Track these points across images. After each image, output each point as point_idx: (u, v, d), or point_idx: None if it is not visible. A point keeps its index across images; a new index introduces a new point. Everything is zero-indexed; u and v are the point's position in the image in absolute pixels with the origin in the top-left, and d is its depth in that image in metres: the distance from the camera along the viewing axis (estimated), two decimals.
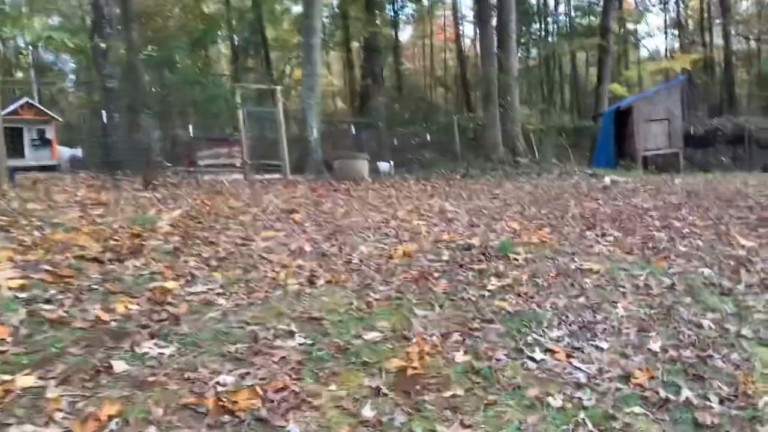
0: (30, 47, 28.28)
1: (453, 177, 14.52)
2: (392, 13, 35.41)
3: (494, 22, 19.20)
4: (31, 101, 14.00)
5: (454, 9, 33.85)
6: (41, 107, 14.08)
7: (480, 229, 6.58)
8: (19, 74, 32.35)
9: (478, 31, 40.57)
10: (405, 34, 41.84)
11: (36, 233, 5.69)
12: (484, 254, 5.29)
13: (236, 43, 35.14)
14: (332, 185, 12.43)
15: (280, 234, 6.25)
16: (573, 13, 38.18)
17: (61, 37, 19.52)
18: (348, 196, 10.30)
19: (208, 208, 7.84)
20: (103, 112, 12.69)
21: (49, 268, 4.19)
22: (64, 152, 13.91)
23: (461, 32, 34.54)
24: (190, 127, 14.18)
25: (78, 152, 14.17)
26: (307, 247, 5.59)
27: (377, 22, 25.08)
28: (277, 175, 14.75)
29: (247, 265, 4.88)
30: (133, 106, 11.80)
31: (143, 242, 5.53)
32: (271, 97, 14.17)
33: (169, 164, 16.48)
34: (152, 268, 4.68)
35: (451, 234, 6.27)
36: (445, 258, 5.22)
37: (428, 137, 20.07)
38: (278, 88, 13.81)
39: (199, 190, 10.50)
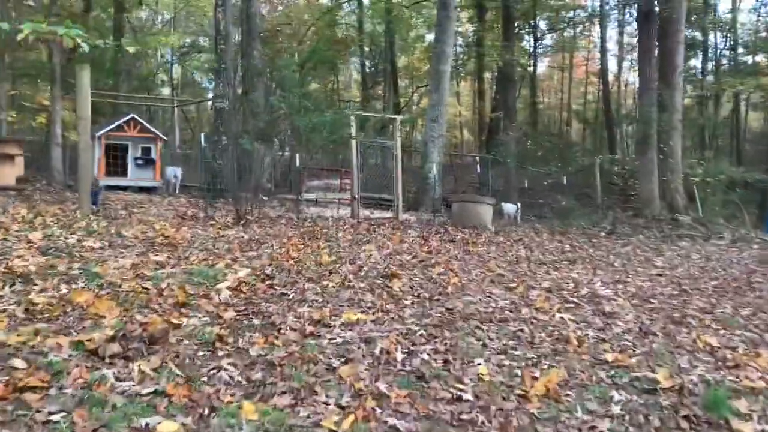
0: (168, 64, 29.43)
1: (596, 234, 12.12)
2: (531, 43, 33.22)
3: (656, 52, 16.51)
4: (136, 117, 13.60)
5: (602, 39, 30.95)
6: (146, 124, 13.56)
7: (659, 343, 4.43)
8: (165, 90, 33.65)
9: (630, 65, 37.18)
10: (541, 65, 39.35)
11: (52, 291, 4.40)
12: (681, 412, 3.19)
13: (366, 69, 34.69)
14: (448, 233, 10.60)
15: (367, 318, 4.53)
16: (738, 50, 33.71)
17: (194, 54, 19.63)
18: (466, 253, 8.42)
19: (292, 261, 6.34)
20: (202, 135, 11.97)
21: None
22: (169, 172, 13.28)
23: (606, 65, 31.48)
24: (297, 157, 13.06)
25: (178, 171, 13.48)
26: (399, 354, 3.80)
27: (514, 51, 23.07)
28: (388, 214, 13.21)
29: (301, 388, 3.17)
30: (244, 130, 10.76)
31: (179, 320, 4.04)
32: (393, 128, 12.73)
33: (278, 192, 15.57)
34: (163, 376, 3.14)
35: (616, 350, 4.19)
36: (616, 410, 3.19)
37: (564, 179, 17.65)
38: (399, 118, 12.32)
39: (296, 230, 9.13)
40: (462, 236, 10.35)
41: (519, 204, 16.09)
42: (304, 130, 8.76)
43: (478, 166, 15.49)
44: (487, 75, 33.51)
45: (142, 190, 12.54)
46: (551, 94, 43.90)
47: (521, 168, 20.13)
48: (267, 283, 5.39)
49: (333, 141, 9.52)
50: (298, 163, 10.47)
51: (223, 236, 7.80)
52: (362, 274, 6.12)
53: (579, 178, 19.84)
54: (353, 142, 11.68)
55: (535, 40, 32.96)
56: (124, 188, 12.51)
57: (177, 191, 12.95)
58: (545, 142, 23.00)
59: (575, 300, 5.66)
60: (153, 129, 13.75)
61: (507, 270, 7.12)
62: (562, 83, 38.83)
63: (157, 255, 6.07)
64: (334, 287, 5.40)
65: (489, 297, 5.56)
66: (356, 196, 12.11)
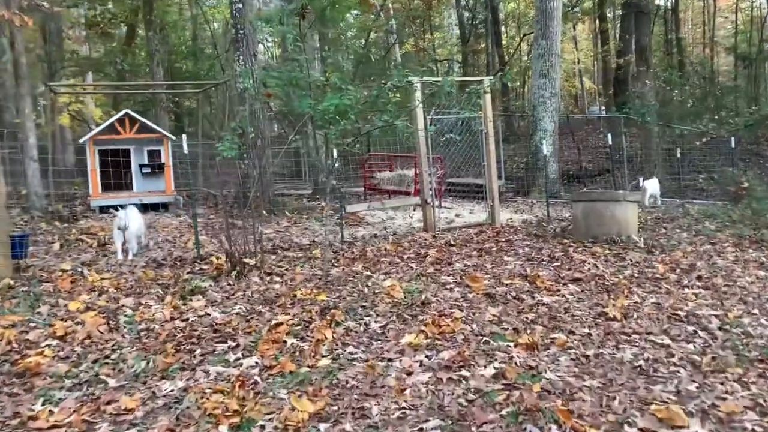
0: None
1: None
2: None
3: None
4: (131, 113, 10.72)
5: None
6: (146, 121, 10.59)
7: None
8: None
9: None
10: None
11: None
12: None
13: (465, 21, 30.26)
14: (569, 258, 6.77)
15: None
16: None
17: None
18: (616, 306, 4.64)
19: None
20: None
21: None
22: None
23: None
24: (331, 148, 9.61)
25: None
26: None
27: None
28: (479, 218, 9.52)
29: None
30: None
31: None
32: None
33: (340, 184, 12.34)
34: None
35: None
36: None
37: (732, 142, 12.70)
38: (487, 79, 8.46)
39: (319, 280, 5.84)
40: (592, 262, 6.50)
41: (657, 180, 11.64)
42: (317, 118, 5.37)
43: (609, 136, 11.17)
44: (609, 15, 27.87)
45: (148, 208, 9.78)
46: (689, 28, 36.70)
47: (665, 127, 15.33)
48: None
49: (380, 126, 6.05)
50: (335, 154, 7.10)
51: (188, 314, 4.68)
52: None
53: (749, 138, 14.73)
54: (419, 120, 8.05)
55: None
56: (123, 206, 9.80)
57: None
58: (696, 89, 17.77)
59: None
60: (156, 126, 10.94)
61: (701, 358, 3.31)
62: (704, 13, 31.86)
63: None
64: None
65: None
66: (429, 201, 8.53)
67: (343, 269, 6.32)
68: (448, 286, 5.61)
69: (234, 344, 4.07)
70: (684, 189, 13.23)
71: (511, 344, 3.99)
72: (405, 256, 6.95)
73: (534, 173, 13.68)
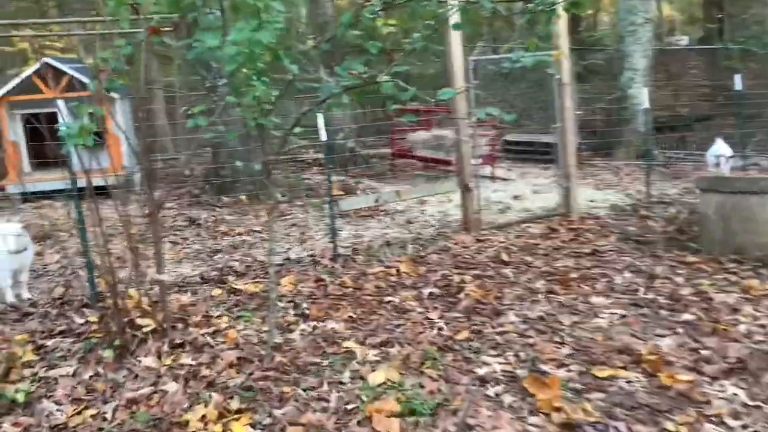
0: None
1: None
2: None
3: None
4: (52, 63, 8.18)
5: None
6: (78, 74, 7.85)
7: None
8: None
9: None
10: None
11: None
12: None
13: None
14: (699, 287, 3.90)
15: None
16: None
17: None
18: None
19: None
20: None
21: None
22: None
23: None
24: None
25: None
26: None
27: None
28: (546, 202, 6.65)
29: None
30: None
31: None
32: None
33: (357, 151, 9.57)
34: None
35: None
36: None
37: None
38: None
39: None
40: (751, 312, 3.65)
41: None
42: (228, 73, 2.72)
43: (738, 78, 7.77)
44: None
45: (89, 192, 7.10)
46: None
47: None
48: None
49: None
50: (321, 122, 4.41)
51: None
52: None
53: None
54: (454, 60, 5.19)
55: None
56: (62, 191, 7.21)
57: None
58: None
59: None
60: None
61: None
62: None
63: None
64: None
65: None
66: (469, 184, 5.71)
67: (313, 326, 3.71)
68: (490, 389, 2.93)
69: None
70: None
71: None
72: (426, 292, 4.25)
73: (620, 126, 10.46)
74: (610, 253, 5.02)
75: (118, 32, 5.02)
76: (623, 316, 3.76)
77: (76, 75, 7.20)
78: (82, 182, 3.91)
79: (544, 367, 3.13)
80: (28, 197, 7.43)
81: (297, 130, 3.15)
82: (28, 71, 7.94)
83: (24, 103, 8.01)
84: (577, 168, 6.70)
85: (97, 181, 3.72)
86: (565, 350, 3.32)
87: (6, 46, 10.20)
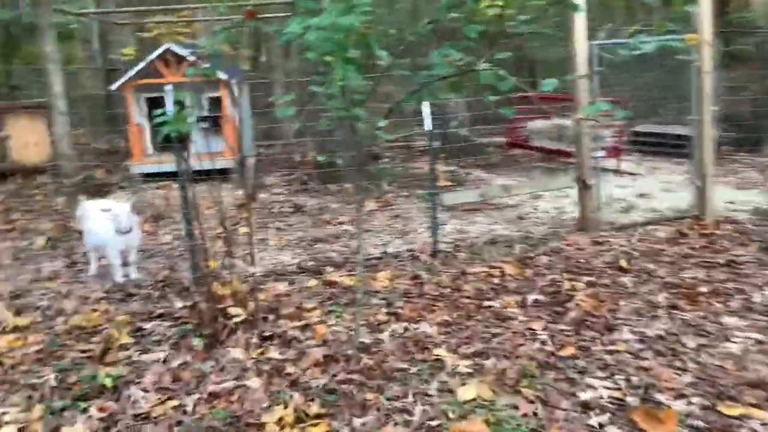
0: None
1: None
2: None
3: None
4: (176, 49, 8.01)
5: None
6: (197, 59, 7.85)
7: None
8: None
9: None
10: None
11: None
12: None
13: None
14: None
15: None
16: None
17: None
18: None
19: None
20: None
21: None
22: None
23: None
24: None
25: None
26: None
27: None
28: (675, 202, 5.94)
29: None
30: None
31: None
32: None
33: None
34: None
35: None
36: None
37: None
38: None
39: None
40: None
41: None
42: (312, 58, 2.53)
43: None
44: None
45: (202, 176, 7.21)
46: None
47: None
48: None
49: None
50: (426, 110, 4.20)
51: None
52: None
53: None
54: (578, 49, 4.72)
55: None
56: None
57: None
58: None
59: None
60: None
61: None
62: None
63: None
64: None
65: None
66: (587, 180, 5.21)
67: (404, 327, 3.52)
68: (593, 417, 2.58)
69: None
70: None
71: None
72: (530, 298, 3.91)
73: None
74: (749, 264, 4.36)
75: (229, 18, 5.07)
76: (760, 342, 3.21)
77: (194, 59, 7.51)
78: (196, 166, 4.01)
79: (659, 397, 2.72)
80: (150, 178, 7.90)
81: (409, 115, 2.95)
82: (151, 56, 8.40)
83: (147, 87, 8.53)
84: (716, 164, 5.94)
85: (214, 164, 3.81)
86: (687, 378, 2.87)
87: (144, 32, 10.98)
